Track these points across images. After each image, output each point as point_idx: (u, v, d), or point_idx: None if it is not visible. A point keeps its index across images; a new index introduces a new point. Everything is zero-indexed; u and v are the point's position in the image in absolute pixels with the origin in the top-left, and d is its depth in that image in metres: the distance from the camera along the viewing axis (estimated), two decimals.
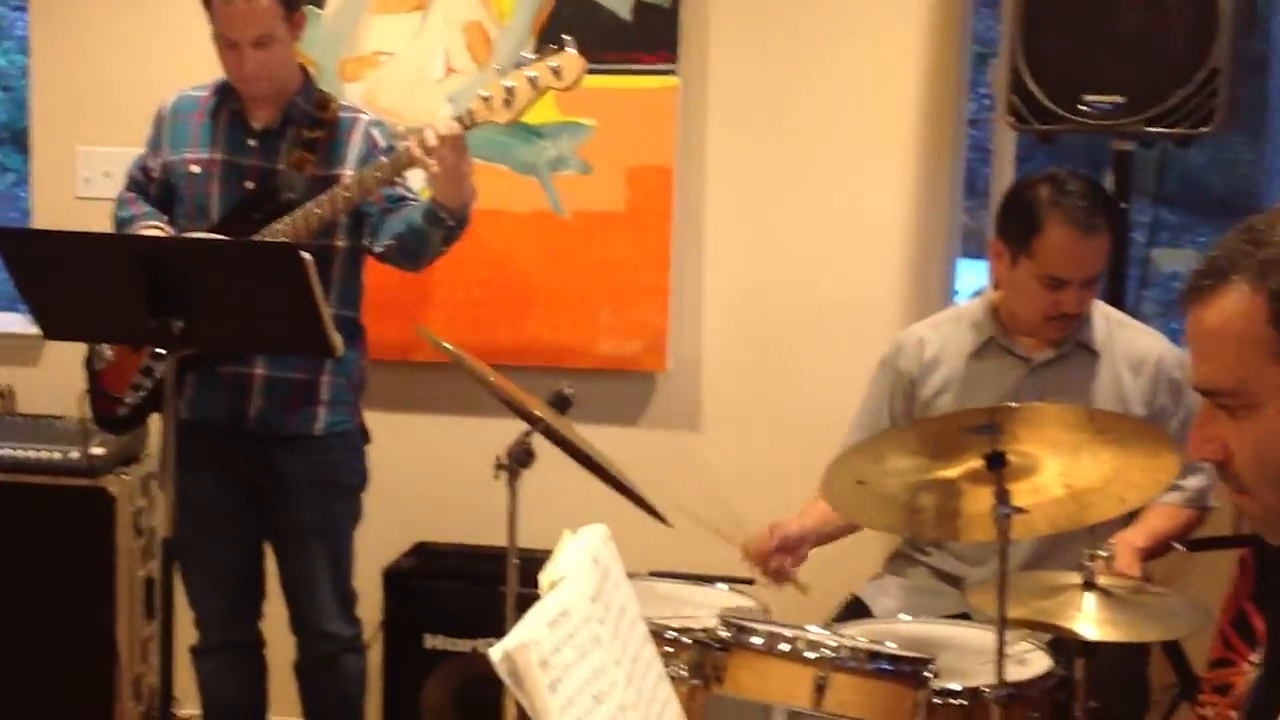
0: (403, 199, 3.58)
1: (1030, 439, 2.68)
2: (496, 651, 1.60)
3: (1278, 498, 1.56)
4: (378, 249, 3.61)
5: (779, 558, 3.26)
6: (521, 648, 1.60)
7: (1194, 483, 3.33)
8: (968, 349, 3.41)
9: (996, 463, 2.66)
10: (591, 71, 3.48)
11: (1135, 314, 3.60)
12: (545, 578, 1.79)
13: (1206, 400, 1.57)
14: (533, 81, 3.41)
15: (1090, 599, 2.78)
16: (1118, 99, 3.47)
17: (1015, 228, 3.27)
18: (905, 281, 4.12)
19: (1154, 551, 3.25)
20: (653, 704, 1.88)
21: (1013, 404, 2.78)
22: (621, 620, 1.89)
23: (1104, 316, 3.41)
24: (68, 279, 3.27)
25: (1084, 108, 3.50)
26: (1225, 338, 1.52)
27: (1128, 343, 3.38)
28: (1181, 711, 3.80)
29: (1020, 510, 2.66)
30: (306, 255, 3.13)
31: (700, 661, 2.77)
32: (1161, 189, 5.88)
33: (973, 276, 4.37)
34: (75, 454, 4.10)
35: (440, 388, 4.22)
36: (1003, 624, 2.64)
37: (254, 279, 3.23)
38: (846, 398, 3.59)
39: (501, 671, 1.61)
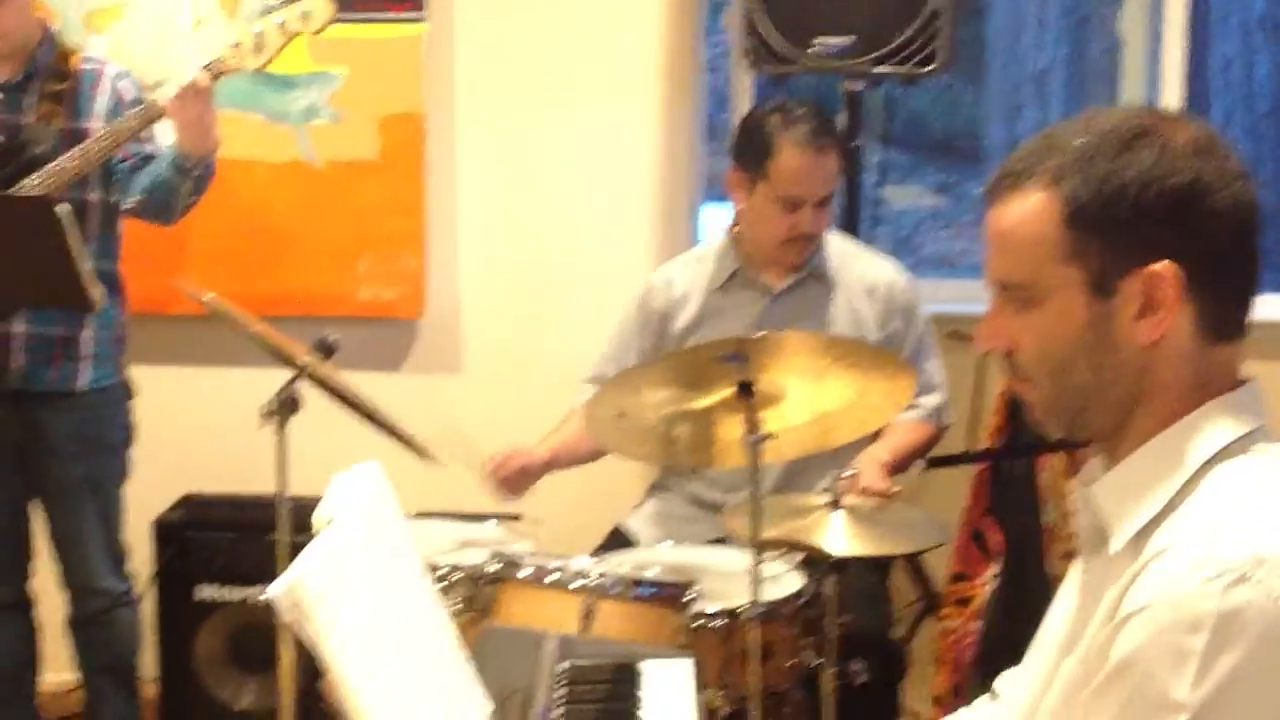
0: (151, 155, 3.57)
1: (776, 367, 2.82)
2: (276, 588, 1.67)
3: (1055, 388, 1.65)
4: (128, 204, 3.60)
5: (514, 479, 3.40)
6: (300, 583, 1.66)
7: (931, 401, 3.54)
8: (714, 283, 3.56)
9: (746, 391, 2.79)
10: (340, 20, 3.50)
11: None
12: (317, 516, 1.86)
13: (997, 295, 1.67)
14: (281, 26, 3.42)
15: (837, 518, 2.95)
16: (847, 40, 3.63)
17: (750, 154, 3.43)
18: (652, 224, 4.25)
19: (899, 465, 3.43)
20: (432, 636, 1.97)
21: (758, 333, 2.90)
22: (398, 557, 1.97)
23: (838, 248, 3.58)
24: None
25: (815, 49, 3.65)
26: (1019, 236, 1.62)
27: (860, 271, 3.56)
28: (926, 625, 4.01)
29: (769, 436, 2.79)
30: (63, 207, 3.12)
31: (472, 596, 2.86)
32: (890, 131, 6.11)
33: (717, 219, 4.51)
34: None
35: (202, 339, 4.21)
36: (757, 546, 2.77)
37: (9, 233, 3.21)
38: (599, 339, 3.70)
39: (281, 608, 1.67)
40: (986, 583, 3.72)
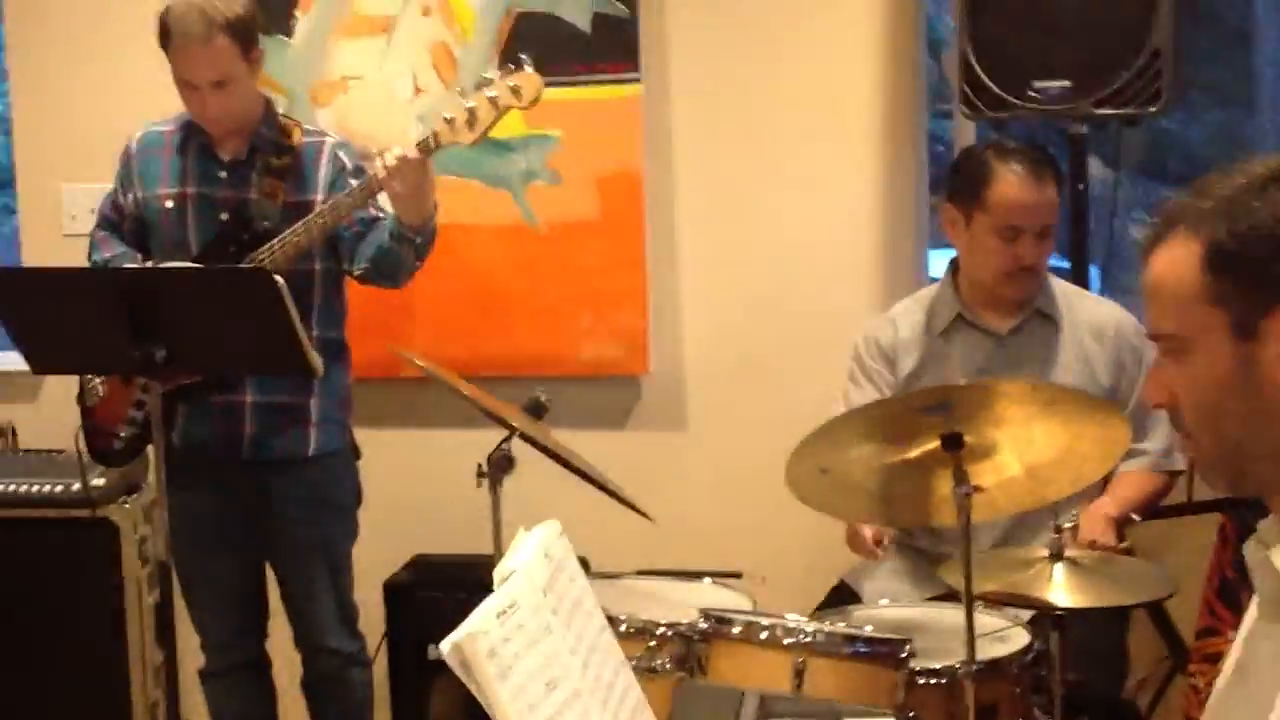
0: (375, 219, 3.64)
1: (982, 416, 2.73)
2: (445, 644, 1.67)
3: (1210, 439, 1.62)
4: (356, 272, 3.68)
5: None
6: (469, 639, 1.67)
7: (1156, 445, 3.39)
8: (935, 328, 3.49)
9: (952, 443, 2.71)
10: (555, 83, 3.56)
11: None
12: (498, 573, 1.85)
13: (1158, 348, 1.65)
14: (493, 101, 3.48)
15: (1059, 569, 2.84)
16: (1065, 84, 3.54)
17: (965, 186, 3.40)
18: (878, 273, 4.17)
19: (1126, 519, 3.30)
20: (611, 690, 1.93)
21: (961, 382, 2.84)
22: (576, 611, 1.94)
23: (1062, 289, 3.49)
24: (52, 314, 3.34)
25: (1033, 93, 3.57)
26: (1165, 284, 1.61)
27: (1088, 312, 3.46)
28: (1176, 682, 3.84)
29: (977, 489, 2.71)
30: (279, 278, 3.19)
31: (684, 654, 2.82)
32: (1162, 167, 5.94)
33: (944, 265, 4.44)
34: (76, 486, 4.16)
35: (426, 403, 4.29)
36: (970, 600, 2.69)
37: (231, 304, 3.30)
38: (826, 391, 3.65)
39: (452, 663, 1.67)
40: (1234, 638, 3.54)
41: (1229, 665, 1.73)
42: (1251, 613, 1.71)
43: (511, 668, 1.70)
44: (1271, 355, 1.55)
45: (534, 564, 1.89)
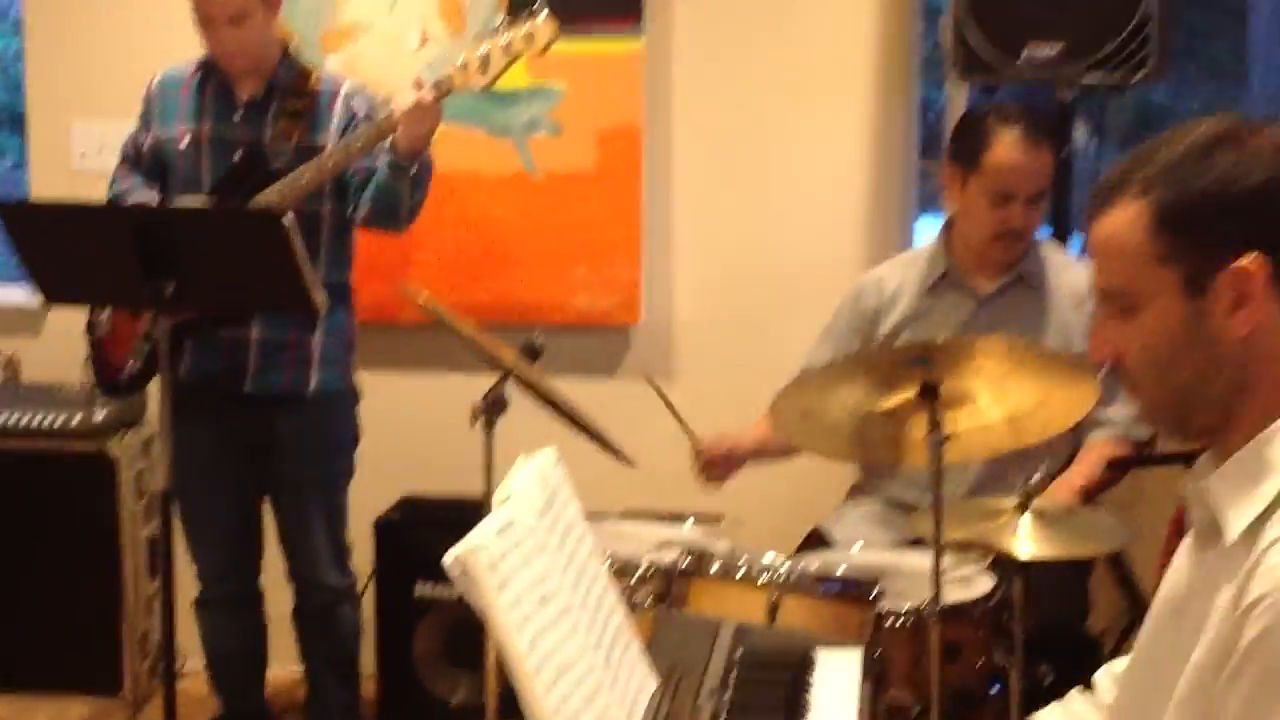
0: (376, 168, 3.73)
1: (958, 370, 2.85)
2: (449, 556, 1.79)
3: (1161, 392, 1.72)
4: (358, 216, 3.77)
5: (722, 466, 3.56)
6: (470, 551, 1.78)
7: (1123, 412, 3.48)
8: (923, 285, 3.61)
9: (929, 393, 2.83)
10: (560, 37, 3.64)
11: None
12: (497, 495, 1.98)
13: (1101, 307, 1.74)
14: (506, 47, 3.56)
15: (1026, 520, 2.96)
16: (1056, 49, 3.65)
17: (965, 148, 3.50)
18: (866, 232, 4.32)
19: (1093, 489, 3.42)
20: (599, 610, 2.05)
21: (940, 338, 2.95)
22: (570, 534, 2.06)
23: (1051, 255, 3.61)
24: (65, 248, 3.44)
25: (1024, 58, 3.68)
26: (1113, 245, 1.69)
27: (1072, 280, 3.55)
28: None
29: (949, 436, 2.83)
30: (288, 218, 3.28)
31: (663, 590, 2.95)
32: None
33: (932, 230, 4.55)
34: (78, 418, 4.28)
35: (422, 346, 4.40)
36: (939, 546, 2.81)
37: (239, 243, 3.39)
38: (812, 344, 3.76)
39: (453, 574, 1.78)
40: None
41: (1159, 595, 1.84)
42: (1185, 544, 1.82)
43: (509, 580, 1.81)
44: (1222, 310, 1.64)
45: (531, 488, 2.01)
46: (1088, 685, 2.09)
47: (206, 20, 3.66)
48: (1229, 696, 1.59)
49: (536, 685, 1.77)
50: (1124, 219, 1.68)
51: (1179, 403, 1.71)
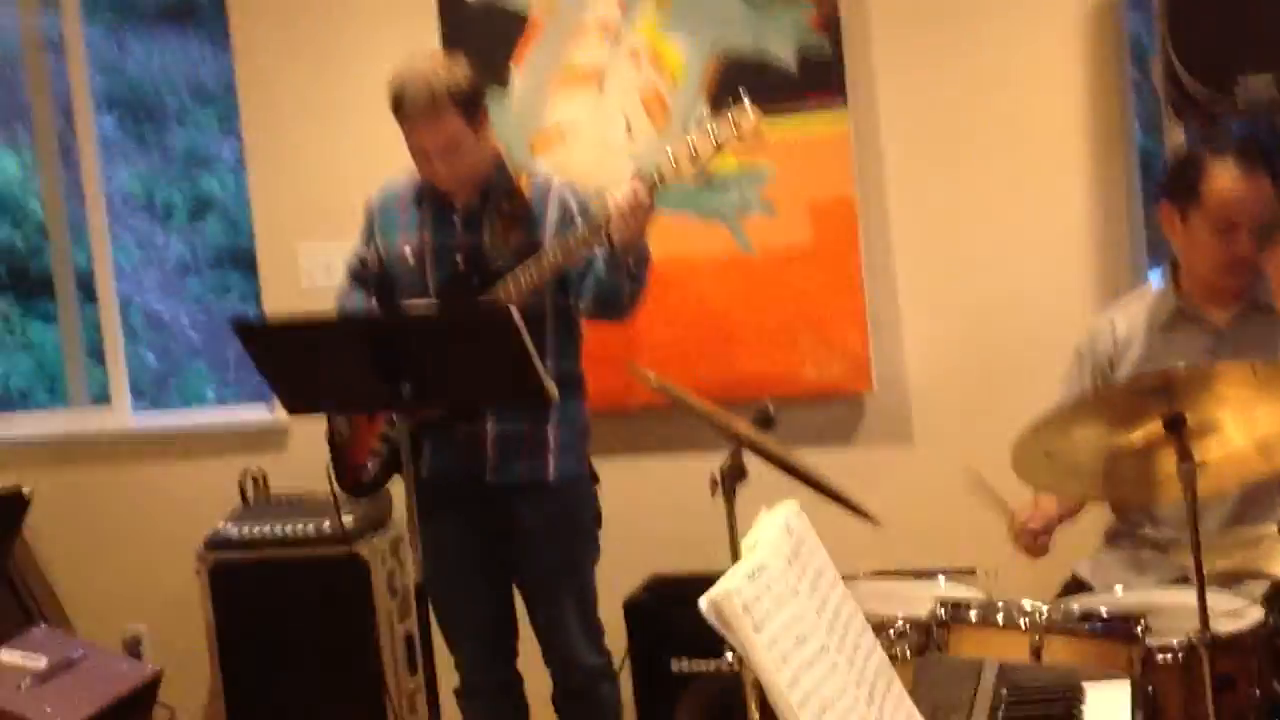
0: (595, 260, 3.79)
1: (1203, 398, 2.80)
2: (704, 601, 1.81)
3: None
4: (582, 307, 3.85)
5: (1041, 533, 3.49)
6: (725, 595, 1.81)
7: None
8: (1156, 323, 3.55)
9: (1175, 424, 2.78)
10: (766, 116, 3.68)
11: None
12: (745, 543, 1.99)
13: None
14: (714, 138, 3.62)
15: None
16: (1269, 79, 3.58)
17: (1180, 184, 3.46)
18: (1097, 287, 4.27)
19: None
20: (857, 650, 2.05)
21: (1181, 365, 2.89)
22: (820, 579, 2.07)
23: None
24: (304, 361, 3.55)
25: (1239, 91, 3.62)
26: None
27: None
28: None
29: (1201, 464, 2.77)
30: (513, 310, 3.36)
31: (923, 642, 2.93)
32: None
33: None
34: (328, 525, 4.41)
35: (656, 429, 4.47)
36: (1200, 575, 2.75)
37: (470, 338, 3.48)
38: (1046, 398, 3.69)
39: (710, 617, 1.82)
40: None
41: None
42: None
43: (763, 622, 1.83)
44: None
45: (778, 536, 2.02)
46: None
47: (419, 152, 3.79)
48: None
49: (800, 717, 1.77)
50: None
51: None
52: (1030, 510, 3.50)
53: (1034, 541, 3.50)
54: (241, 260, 5.00)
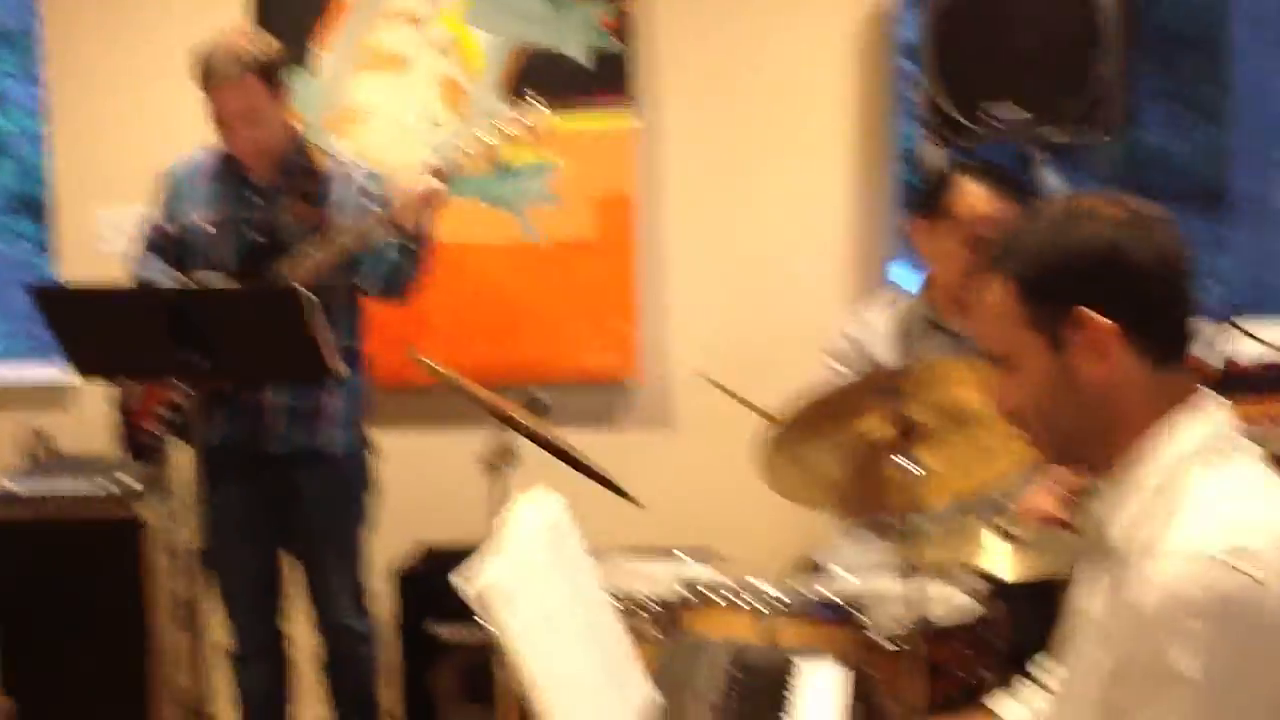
0: (387, 243, 3.96)
1: (931, 398, 3.05)
2: (460, 581, 2.02)
3: (1047, 432, 1.98)
4: (367, 288, 4.03)
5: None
6: (481, 578, 2.02)
7: None
8: (905, 329, 3.84)
9: (903, 425, 3.05)
10: (557, 112, 3.91)
11: None
12: (504, 527, 2.21)
13: (994, 367, 2.01)
14: (504, 134, 3.85)
15: (1004, 544, 3.19)
16: (1018, 110, 3.89)
17: (929, 197, 3.75)
18: (850, 286, 4.59)
19: (1076, 495, 3.61)
20: (602, 631, 2.28)
21: (909, 364, 3.16)
22: (571, 561, 2.29)
23: None
24: (101, 327, 3.68)
25: (990, 120, 3.93)
26: (992, 315, 1.97)
27: None
28: None
29: (928, 468, 3.05)
30: (307, 293, 3.54)
31: (666, 620, 3.18)
32: (1145, 182, 6.22)
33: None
34: (109, 487, 4.49)
35: (435, 407, 4.62)
36: (922, 570, 3.02)
37: (262, 315, 3.65)
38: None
39: (467, 598, 2.02)
40: None
41: (1074, 604, 2.08)
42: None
43: (517, 603, 2.04)
44: (1083, 362, 1.90)
45: (534, 521, 2.24)
46: None
47: (220, 119, 3.92)
48: (1123, 698, 1.83)
49: (547, 698, 1.98)
50: (996, 293, 1.96)
51: (1064, 442, 1.98)
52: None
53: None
54: (32, 208, 5.00)
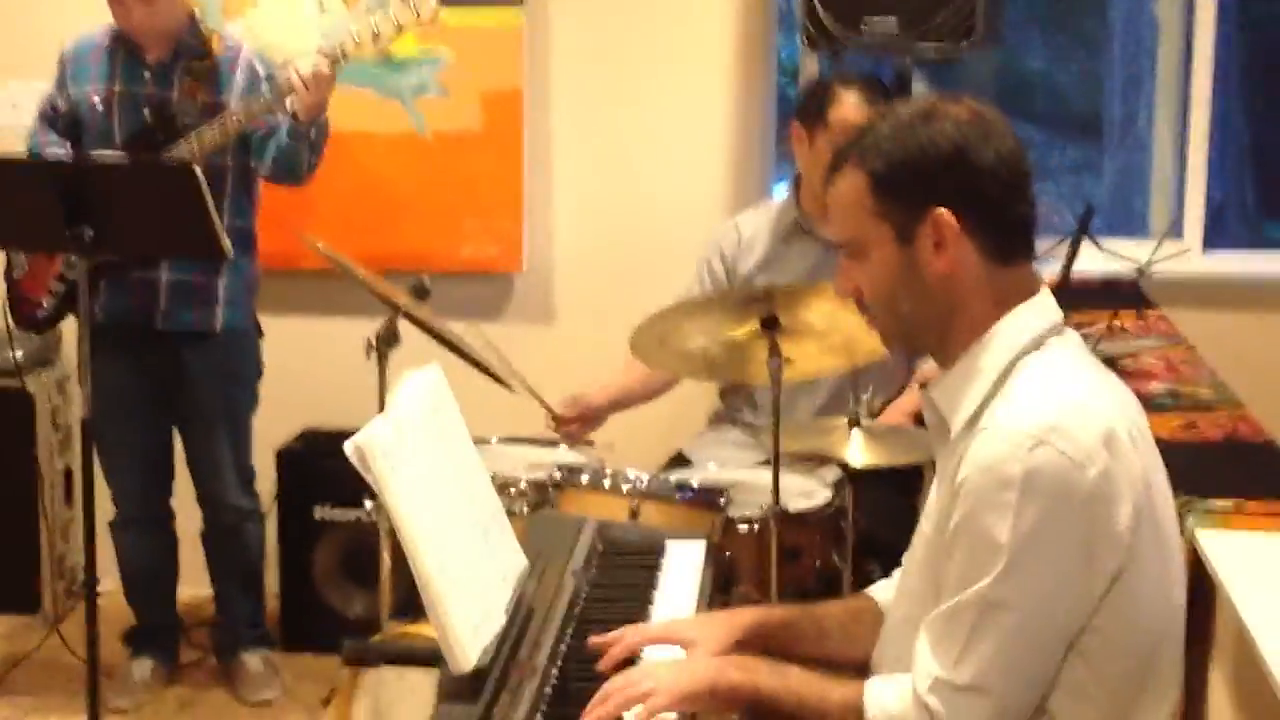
0: (278, 125, 4.04)
1: (799, 307, 3.26)
2: (349, 445, 2.14)
3: (889, 319, 2.12)
4: (262, 170, 4.12)
5: (578, 425, 3.93)
6: (368, 440, 2.14)
7: None
8: (777, 232, 4.00)
9: (770, 325, 3.24)
10: (446, 4, 3.99)
11: None
12: (389, 398, 2.34)
13: (842, 253, 2.14)
14: (395, 21, 3.92)
15: (857, 435, 3.38)
16: (892, 20, 4.04)
17: (810, 106, 3.89)
18: (733, 187, 4.73)
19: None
20: (478, 498, 2.42)
21: (778, 283, 3.34)
22: (452, 435, 2.42)
23: None
24: None
25: (865, 29, 4.07)
26: (843, 205, 2.10)
27: None
28: None
29: (786, 360, 3.23)
30: (197, 170, 3.60)
31: (538, 501, 3.34)
32: (1029, 106, 6.40)
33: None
34: None
35: (322, 291, 4.74)
36: (777, 458, 3.22)
37: (153, 193, 3.70)
38: (678, 289, 4.13)
39: (353, 460, 2.14)
40: None
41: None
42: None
43: (399, 467, 2.17)
44: (926, 254, 2.03)
45: (419, 393, 2.37)
46: None
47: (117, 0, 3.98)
48: (948, 565, 2.00)
49: (423, 554, 2.11)
50: (849, 184, 2.08)
51: (904, 329, 2.12)
52: (569, 403, 3.94)
53: (572, 431, 3.92)
54: None
